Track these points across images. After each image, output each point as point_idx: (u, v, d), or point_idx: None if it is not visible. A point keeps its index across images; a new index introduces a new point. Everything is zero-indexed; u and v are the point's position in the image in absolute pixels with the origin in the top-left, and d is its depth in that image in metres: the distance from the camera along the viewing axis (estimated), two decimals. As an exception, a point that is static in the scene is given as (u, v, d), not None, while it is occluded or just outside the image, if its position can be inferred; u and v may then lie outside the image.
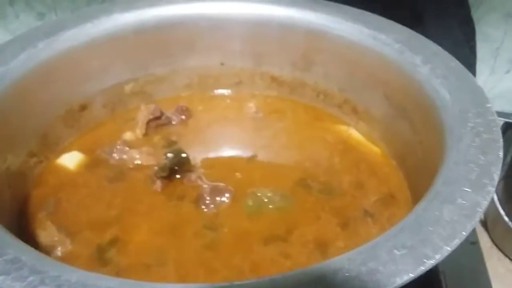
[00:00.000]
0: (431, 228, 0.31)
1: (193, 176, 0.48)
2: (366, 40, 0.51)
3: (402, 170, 0.49)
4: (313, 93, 0.58)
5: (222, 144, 0.55)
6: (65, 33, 0.51)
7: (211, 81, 0.60)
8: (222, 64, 0.59)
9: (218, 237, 0.43)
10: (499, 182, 0.36)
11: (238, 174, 0.49)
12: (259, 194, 0.46)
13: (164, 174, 0.47)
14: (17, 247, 0.31)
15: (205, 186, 0.47)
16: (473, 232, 0.55)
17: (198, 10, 0.56)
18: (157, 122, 0.55)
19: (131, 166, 0.50)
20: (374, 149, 0.52)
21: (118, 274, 0.40)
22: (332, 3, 0.55)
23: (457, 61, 0.47)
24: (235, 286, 0.28)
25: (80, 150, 0.52)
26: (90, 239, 0.43)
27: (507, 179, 0.60)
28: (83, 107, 0.54)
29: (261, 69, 0.59)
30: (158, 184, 0.47)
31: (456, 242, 0.31)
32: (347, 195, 0.47)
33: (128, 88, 0.57)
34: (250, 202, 0.46)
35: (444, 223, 0.32)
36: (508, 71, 0.79)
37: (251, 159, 0.51)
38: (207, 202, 0.46)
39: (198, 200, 0.46)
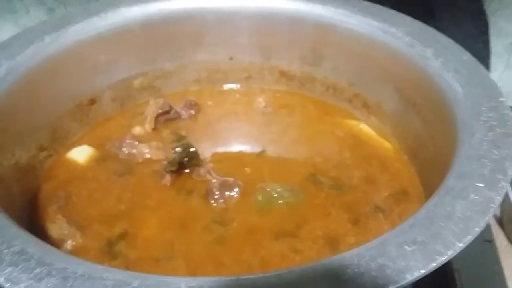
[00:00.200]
0: (442, 224, 0.31)
1: (202, 170, 0.48)
2: (376, 33, 0.50)
3: (414, 165, 0.49)
4: (323, 88, 0.57)
5: (231, 138, 0.55)
6: (72, 27, 0.51)
7: (220, 76, 0.59)
8: (230, 58, 0.59)
9: (227, 232, 0.43)
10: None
11: (247, 169, 0.49)
12: (268, 189, 0.46)
13: (173, 168, 0.47)
14: (24, 239, 0.31)
15: (214, 180, 0.46)
16: (489, 230, 0.54)
17: (205, 3, 0.55)
18: (166, 116, 0.55)
19: (140, 160, 0.50)
20: (385, 144, 0.52)
21: (127, 267, 0.40)
22: (341, -4, 0.54)
23: (469, 54, 0.46)
24: (242, 281, 0.28)
25: (89, 144, 0.52)
26: (100, 233, 0.43)
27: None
28: (92, 101, 0.54)
29: (270, 64, 0.58)
30: (167, 178, 0.47)
31: (469, 238, 0.30)
32: (357, 190, 0.46)
33: (137, 82, 0.57)
34: (259, 197, 0.45)
35: (456, 219, 0.31)
36: (522, 66, 0.78)
37: (261, 154, 0.51)
38: (216, 196, 0.45)
39: (207, 194, 0.46)
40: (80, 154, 0.51)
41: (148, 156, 0.50)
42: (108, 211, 0.45)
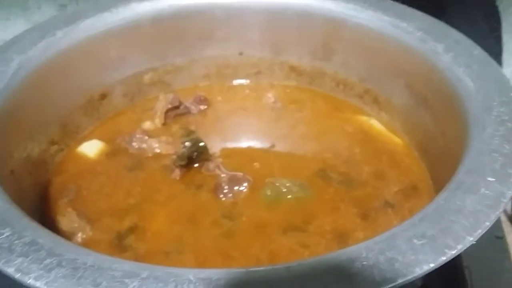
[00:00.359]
0: (453, 218, 0.31)
1: (211, 165, 0.48)
2: (387, 28, 0.50)
3: (425, 161, 0.48)
4: (333, 83, 0.57)
5: (240, 134, 0.55)
6: (83, 22, 0.51)
7: (230, 71, 0.59)
8: (240, 53, 0.58)
9: (236, 226, 0.43)
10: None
11: (256, 164, 0.49)
12: (277, 184, 0.46)
13: (183, 163, 0.47)
14: (35, 230, 0.32)
15: (223, 175, 0.47)
16: (499, 226, 0.54)
17: (215, -2, 0.55)
18: (175, 111, 0.55)
19: (150, 155, 0.50)
20: (395, 140, 0.52)
21: (137, 260, 0.39)
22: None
23: (480, 49, 0.45)
24: (250, 273, 0.28)
25: (100, 138, 0.53)
26: (110, 226, 0.43)
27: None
28: (103, 96, 0.54)
29: (279, 59, 0.58)
30: (177, 172, 0.47)
31: (479, 232, 0.30)
32: (367, 185, 0.46)
33: (147, 77, 0.57)
34: (268, 192, 0.45)
35: (467, 213, 0.31)
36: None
37: (270, 149, 0.51)
38: (225, 191, 0.46)
39: (216, 189, 0.46)
40: (91, 148, 0.52)
41: (157, 150, 0.51)
42: (118, 204, 0.45)
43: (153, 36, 0.55)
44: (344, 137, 0.52)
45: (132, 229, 0.43)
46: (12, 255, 0.30)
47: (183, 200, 0.45)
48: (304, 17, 0.54)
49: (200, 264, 0.40)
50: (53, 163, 0.50)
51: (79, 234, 0.42)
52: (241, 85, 0.60)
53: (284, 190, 0.45)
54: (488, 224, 0.30)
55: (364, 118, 0.54)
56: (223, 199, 0.45)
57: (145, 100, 0.57)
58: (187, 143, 0.48)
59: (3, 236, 0.31)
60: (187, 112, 0.56)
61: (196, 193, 0.46)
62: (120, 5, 0.53)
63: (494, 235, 0.52)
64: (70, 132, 0.52)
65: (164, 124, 0.54)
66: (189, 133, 0.52)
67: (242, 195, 0.45)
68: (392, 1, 0.52)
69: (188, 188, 0.47)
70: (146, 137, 0.51)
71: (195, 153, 0.48)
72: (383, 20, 0.50)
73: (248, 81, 0.60)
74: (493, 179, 0.33)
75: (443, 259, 0.29)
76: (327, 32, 0.54)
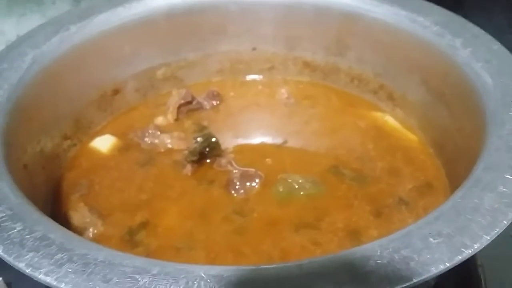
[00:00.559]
0: (469, 216, 0.30)
1: (223, 161, 0.48)
2: (403, 22, 0.49)
3: (440, 158, 0.47)
4: (347, 79, 0.56)
5: (253, 129, 0.54)
6: (97, 17, 0.51)
7: (243, 67, 0.59)
8: (254, 49, 0.58)
9: (247, 223, 0.42)
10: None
11: (268, 160, 0.48)
12: (289, 180, 0.45)
13: (194, 158, 0.47)
14: (46, 225, 0.32)
15: (235, 171, 0.46)
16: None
17: (229, -7, 0.55)
18: (188, 107, 0.55)
19: (162, 150, 0.50)
20: (411, 137, 0.51)
21: (148, 256, 0.39)
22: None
23: (499, 44, 0.45)
24: (261, 270, 0.28)
25: (112, 133, 0.53)
26: (121, 221, 0.43)
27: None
28: (116, 91, 0.54)
29: (293, 54, 0.58)
30: (188, 168, 0.47)
31: (497, 231, 0.29)
32: (381, 182, 0.46)
33: (160, 73, 0.57)
34: (280, 188, 0.45)
35: (484, 211, 0.30)
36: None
37: (282, 145, 0.51)
38: (237, 187, 0.45)
39: (228, 185, 0.45)
40: (103, 143, 0.52)
41: (170, 146, 0.50)
42: (130, 200, 0.45)
43: (167, 31, 0.55)
44: (357, 133, 0.51)
45: (143, 225, 0.43)
46: (23, 249, 0.30)
47: (195, 196, 0.45)
48: (320, 11, 0.54)
49: (211, 260, 0.39)
50: (66, 158, 0.50)
51: (91, 229, 0.43)
52: (254, 81, 0.60)
53: (296, 186, 0.45)
54: (505, 223, 0.30)
55: (378, 114, 0.54)
56: (235, 195, 0.45)
57: (158, 95, 0.57)
58: (199, 139, 0.48)
59: (15, 231, 0.31)
60: (200, 107, 0.55)
61: (208, 189, 0.46)
62: (134, 0, 0.53)
63: (510, 234, 0.51)
64: (83, 127, 0.52)
65: (176, 119, 0.54)
66: (201, 129, 0.52)
67: (254, 191, 0.45)
68: (409, -4, 0.51)
69: (200, 183, 0.46)
70: (159, 133, 0.51)
71: (207, 149, 0.47)
72: (399, 14, 0.49)
73: (261, 76, 0.59)
74: (511, 177, 0.32)
75: (459, 258, 0.28)
76: (342, 26, 0.54)
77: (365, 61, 0.54)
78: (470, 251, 0.28)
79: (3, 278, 0.44)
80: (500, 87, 0.40)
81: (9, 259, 0.29)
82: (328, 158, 0.48)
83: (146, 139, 0.51)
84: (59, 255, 0.29)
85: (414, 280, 0.27)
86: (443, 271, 0.27)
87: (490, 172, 0.33)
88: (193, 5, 0.55)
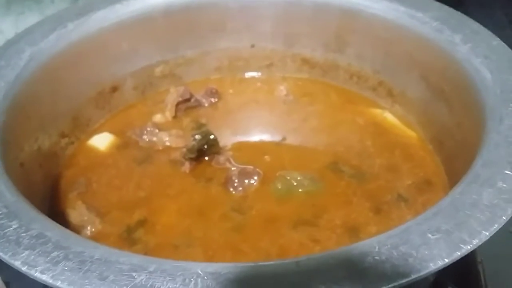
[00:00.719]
0: (468, 212, 0.30)
1: (221, 158, 0.47)
2: (402, 18, 0.49)
3: (439, 155, 0.47)
4: (346, 75, 0.56)
5: (251, 127, 0.54)
6: (95, 14, 0.51)
7: (241, 64, 0.59)
8: (252, 46, 0.58)
9: (246, 220, 0.42)
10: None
11: (267, 157, 0.48)
12: (288, 178, 0.45)
13: (192, 155, 0.47)
14: (42, 223, 0.31)
15: (233, 168, 0.46)
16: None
17: (227, -10, 0.55)
18: (186, 104, 0.55)
19: (160, 148, 0.50)
20: (410, 133, 0.51)
21: (146, 254, 0.40)
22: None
23: (499, 40, 0.44)
24: (259, 267, 0.27)
25: (110, 131, 0.53)
26: (119, 219, 0.43)
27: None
28: (114, 89, 0.54)
29: (292, 51, 0.58)
30: (187, 165, 0.47)
31: (496, 227, 0.29)
32: (379, 179, 0.45)
33: (158, 70, 0.57)
34: (279, 185, 0.45)
35: (483, 207, 0.30)
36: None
37: (281, 142, 0.50)
38: (235, 184, 0.45)
39: (227, 182, 0.45)
40: (101, 141, 0.51)
41: (168, 144, 0.50)
42: (128, 198, 0.45)
43: (165, 28, 0.55)
44: (356, 130, 0.51)
45: (141, 222, 0.43)
46: (19, 247, 0.29)
47: (193, 193, 0.45)
48: (319, 8, 0.53)
49: (209, 258, 0.39)
50: (64, 156, 0.50)
51: (89, 227, 0.42)
52: (252, 78, 0.59)
53: (295, 183, 0.45)
54: (504, 219, 0.29)
55: (377, 111, 0.53)
56: (233, 192, 0.45)
57: (156, 93, 0.57)
58: (197, 136, 0.47)
59: (11, 229, 0.31)
60: (198, 105, 0.55)
61: (206, 186, 0.46)
62: (131, -3, 0.53)
63: (510, 230, 0.51)
64: (80, 125, 0.52)
65: (174, 117, 0.54)
66: (199, 126, 0.52)
67: (252, 188, 0.45)
68: (408, -9, 0.51)
69: (198, 181, 0.46)
70: (157, 130, 0.51)
71: (205, 146, 0.47)
72: (398, 10, 0.49)
73: (259, 73, 0.59)
74: (511, 172, 0.32)
75: (458, 254, 0.28)
76: (341, 23, 0.53)
77: (364, 58, 0.54)
78: (469, 247, 0.28)
79: (1, 277, 0.43)
80: (500, 83, 0.40)
81: (5, 257, 0.29)
82: (327, 155, 0.48)
83: (144, 136, 0.51)
84: (55, 253, 0.29)
85: (413, 276, 0.27)
86: (442, 267, 0.27)
87: (489, 167, 0.33)
88: (191, 2, 0.55)
